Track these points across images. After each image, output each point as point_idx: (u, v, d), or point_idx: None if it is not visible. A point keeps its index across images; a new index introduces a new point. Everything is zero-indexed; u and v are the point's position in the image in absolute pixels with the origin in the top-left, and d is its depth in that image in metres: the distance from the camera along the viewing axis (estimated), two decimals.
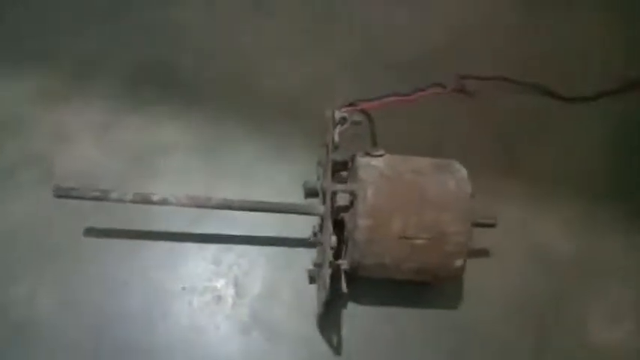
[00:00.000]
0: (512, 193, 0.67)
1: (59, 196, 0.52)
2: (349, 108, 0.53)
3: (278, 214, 0.59)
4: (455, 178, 0.53)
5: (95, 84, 0.70)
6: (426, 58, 0.75)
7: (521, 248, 0.64)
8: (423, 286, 0.60)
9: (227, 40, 0.75)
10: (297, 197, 0.58)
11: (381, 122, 0.60)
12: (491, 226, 0.58)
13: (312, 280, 0.59)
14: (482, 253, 0.62)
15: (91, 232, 0.60)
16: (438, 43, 0.77)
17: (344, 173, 0.59)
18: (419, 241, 0.50)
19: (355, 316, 0.58)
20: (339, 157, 0.56)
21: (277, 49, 0.75)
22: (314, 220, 0.59)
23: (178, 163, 0.65)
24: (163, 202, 0.53)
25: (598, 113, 0.74)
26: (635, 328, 0.60)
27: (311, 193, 0.62)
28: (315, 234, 0.56)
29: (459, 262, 0.52)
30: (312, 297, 0.58)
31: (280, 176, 0.65)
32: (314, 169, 0.63)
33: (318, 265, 0.55)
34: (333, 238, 0.49)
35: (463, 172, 0.54)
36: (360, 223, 0.50)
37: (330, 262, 0.52)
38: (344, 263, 0.53)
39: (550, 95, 0.72)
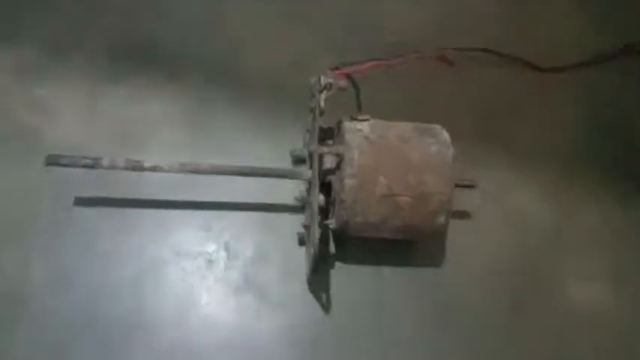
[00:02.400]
0: (490, 161, 0.70)
1: (51, 164, 0.52)
2: (333, 72, 0.54)
3: (266, 182, 0.61)
4: (437, 142, 0.55)
5: (75, 58, 0.69)
6: (409, 35, 0.76)
7: (500, 213, 0.67)
8: (407, 247, 0.62)
9: (210, 16, 0.75)
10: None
11: (363, 90, 0.61)
12: (471, 187, 0.60)
13: (301, 242, 0.61)
14: (464, 215, 0.65)
15: (81, 201, 0.60)
16: (421, 20, 0.78)
17: (330, 142, 0.61)
18: (403, 199, 0.53)
19: (343, 276, 0.61)
20: (325, 124, 0.58)
21: (261, 25, 0.75)
22: (301, 187, 0.61)
23: (163, 136, 0.66)
24: (154, 168, 0.54)
25: (574, 84, 0.77)
26: (610, 289, 0.64)
27: (298, 160, 0.65)
28: (301, 199, 0.58)
29: (441, 219, 0.55)
30: (301, 259, 0.60)
31: (265, 148, 0.66)
32: (299, 142, 0.64)
33: (306, 227, 0.57)
34: (321, 198, 0.51)
35: (445, 135, 0.56)
36: (347, 183, 0.52)
37: (319, 223, 0.54)
38: (332, 223, 0.55)
39: (527, 66, 0.75)
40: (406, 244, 0.62)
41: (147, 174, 0.59)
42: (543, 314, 0.62)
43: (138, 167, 0.53)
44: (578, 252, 0.66)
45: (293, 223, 0.61)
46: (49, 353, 0.54)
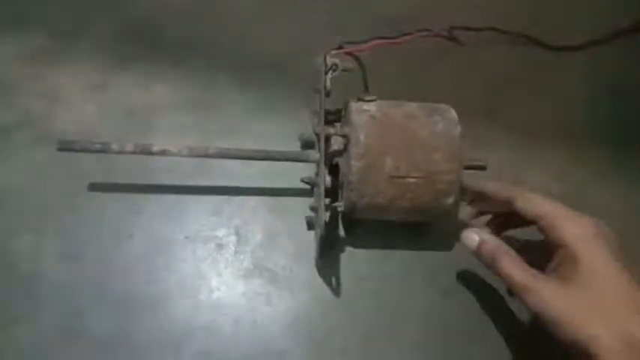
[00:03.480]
0: (500, 141, 0.69)
1: (62, 149, 0.53)
2: (339, 51, 0.54)
3: (276, 166, 0.61)
4: (444, 120, 0.54)
5: (81, 45, 0.70)
6: (415, 13, 0.76)
7: None
8: (417, 229, 0.62)
9: (213, 2, 0.75)
10: None
11: (369, 70, 0.61)
12: (482, 168, 0.60)
13: (310, 226, 0.61)
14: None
15: (93, 187, 0.61)
16: None
17: (338, 124, 0.61)
18: (411, 180, 0.52)
19: (353, 259, 0.61)
20: (333, 106, 0.58)
21: (262, 8, 0.75)
22: (310, 171, 0.61)
23: (170, 121, 0.66)
24: (163, 152, 0.54)
25: (585, 63, 0.76)
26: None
27: (307, 144, 0.65)
28: (308, 180, 0.58)
29: (450, 200, 0.54)
30: (310, 243, 0.60)
31: (271, 132, 0.66)
32: (304, 127, 0.64)
33: (314, 209, 0.57)
34: (328, 179, 0.51)
35: (453, 114, 0.55)
36: (354, 164, 0.52)
37: (327, 206, 0.54)
38: (340, 205, 0.55)
39: (538, 45, 0.73)
40: (417, 228, 0.62)
41: (157, 160, 0.60)
42: None
43: (146, 151, 0.54)
44: None
45: (302, 207, 0.61)
46: (61, 329, 0.55)
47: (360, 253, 0.61)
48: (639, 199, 0.67)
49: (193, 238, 0.60)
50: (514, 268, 0.49)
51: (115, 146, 0.53)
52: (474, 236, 0.54)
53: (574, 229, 0.48)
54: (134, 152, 0.54)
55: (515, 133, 0.69)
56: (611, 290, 0.45)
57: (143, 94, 0.68)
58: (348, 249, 0.61)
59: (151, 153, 0.54)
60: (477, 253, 0.53)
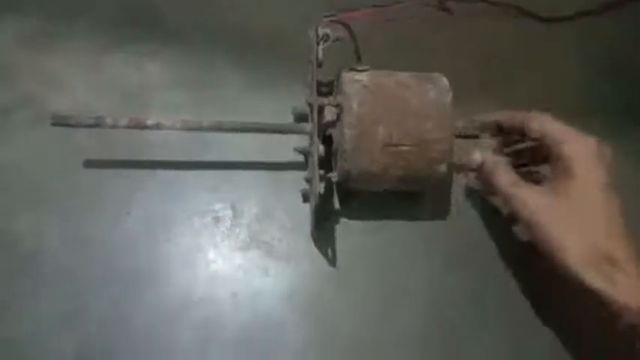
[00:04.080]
0: (491, 111, 0.69)
1: (56, 124, 0.54)
2: (330, 18, 0.54)
3: (271, 140, 0.62)
4: (436, 88, 0.55)
5: (76, 26, 0.70)
6: None
7: None
8: (412, 199, 0.63)
9: None
10: None
11: (361, 40, 0.61)
12: (475, 137, 0.60)
13: (305, 198, 0.62)
14: (467, 167, 0.65)
15: (90, 164, 0.62)
16: None
17: (331, 96, 0.61)
18: (404, 148, 0.53)
19: (348, 231, 0.61)
20: (325, 78, 0.58)
21: None
22: (305, 144, 0.61)
23: (166, 98, 0.67)
24: (157, 126, 0.55)
25: (576, 34, 0.76)
26: None
27: (300, 117, 0.65)
28: (301, 149, 0.58)
29: (443, 168, 0.55)
30: (306, 216, 0.61)
31: (266, 108, 0.66)
32: (299, 101, 0.64)
33: (309, 181, 0.57)
34: (321, 148, 0.52)
35: (444, 82, 0.56)
36: (347, 133, 0.52)
37: (321, 176, 0.55)
38: (334, 175, 0.56)
39: (529, 16, 0.74)
40: (412, 198, 0.63)
41: (153, 136, 0.61)
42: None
43: (140, 125, 0.54)
44: None
45: (297, 180, 0.62)
46: (66, 309, 0.56)
47: (356, 224, 0.62)
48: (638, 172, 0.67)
49: (190, 212, 0.61)
50: (505, 177, 0.52)
51: (109, 120, 0.54)
52: (476, 156, 0.56)
53: (576, 145, 0.49)
54: (128, 127, 0.54)
55: (507, 104, 0.68)
56: (594, 210, 0.47)
57: (138, 74, 0.68)
58: (343, 220, 0.62)
59: (146, 127, 0.55)
60: (478, 172, 0.56)
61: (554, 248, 0.46)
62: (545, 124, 0.52)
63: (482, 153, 0.56)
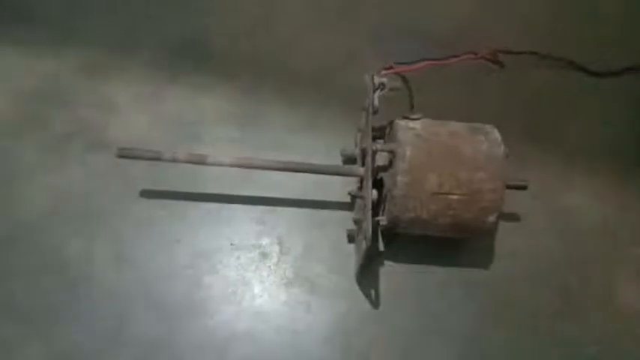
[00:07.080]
0: (541, 162, 0.70)
1: (122, 157, 0.56)
2: (387, 71, 0.56)
3: (316, 179, 0.63)
4: (488, 140, 0.56)
5: (133, 60, 0.74)
6: (453, 30, 0.78)
7: (550, 213, 0.67)
8: (456, 246, 0.63)
9: (257, 18, 0.78)
10: None
11: (415, 90, 0.63)
12: (523, 188, 0.60)
13: (350, 239, 0.63)
14: (513, 217, 0.65)
15: (145, 193, 0.64)
16: (464, 14, 0.79)
17: (381, 141, 0.62)
18: (454, 197, 0.54)
19: (392, 272, 0.62)
20: (376, 123, 0.60)
21: (305, 25, 0.78)
22: (351, 186, 0.62)
23: (217, 134, 0.69)
24: (216, 162, 0.57)
25: (625, 88, 0.76)
26: None
27: (348, 159, 0.67)
28: (355, 193, 0.59)
29: (492, 218, 0.55)
30: (350, 255, 0.62)
31: (314, 147, 0.68)
32: (345, 141, 0.66)
33: (357, 221, 0.58)
34: (374, 192, 0.53)
35: (496, 134, 0.56)
36: (399, 180, 0.53)
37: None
38: (383, 219, 0.56)
39: (579, 69, 0.74)
40: (455, 245, 0.63)
41: (205, 170, 0.63)
42: (592, 314, 0.61)
43: (200, 160, 0.56)
44: (628, 252, 0.65)
45: (341, 220, 0.63)
46: (109, 331, 0.58)
47: (399, 267, 0.62)
48: None
49: (238, 246, 0.62)
50: None
51: (168, 155, 0.56)
52: None
53: None
54: (188, 161, 0.56)
55: (555, 154, 0.69)
56: None
57: (191, 107, 0.71)
58: (387, 262, 0.63)
59: (204, 163, 0.57)
60: None
61: None
62: None
63: None
